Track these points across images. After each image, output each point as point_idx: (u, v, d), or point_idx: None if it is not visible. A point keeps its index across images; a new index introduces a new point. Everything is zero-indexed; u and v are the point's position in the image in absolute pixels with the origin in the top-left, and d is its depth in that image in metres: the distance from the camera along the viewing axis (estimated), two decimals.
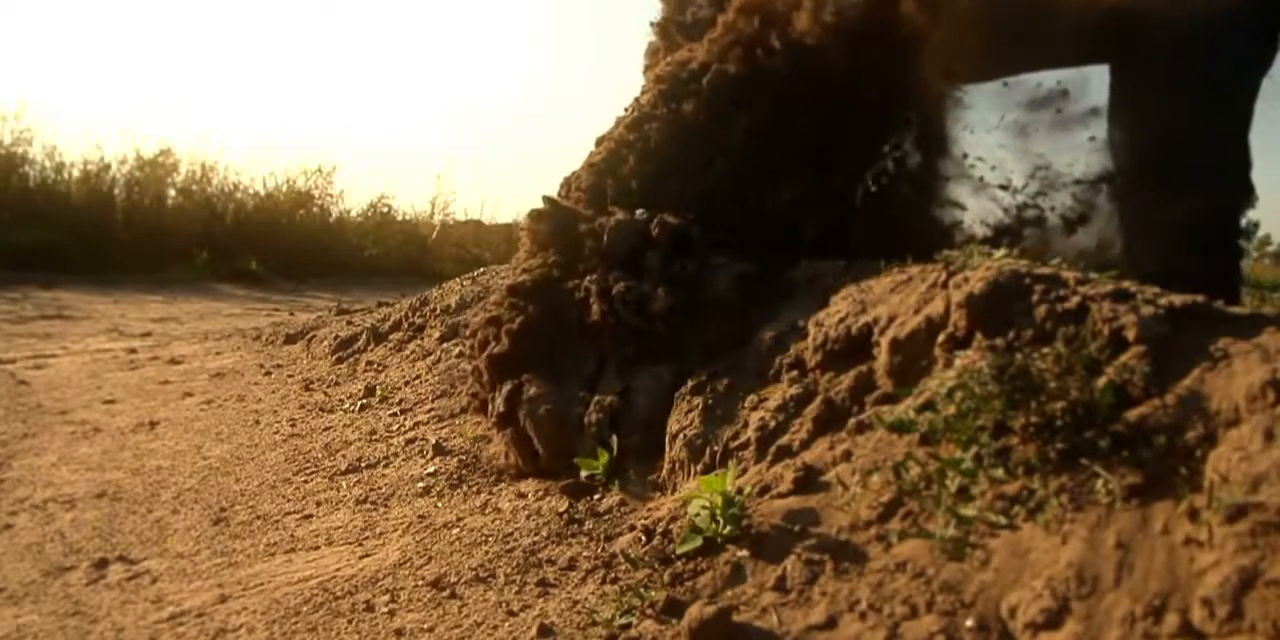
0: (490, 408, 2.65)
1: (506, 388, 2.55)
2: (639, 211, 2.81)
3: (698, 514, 1.62)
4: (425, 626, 1.60)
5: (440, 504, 2.30)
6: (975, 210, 3.55)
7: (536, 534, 1.93)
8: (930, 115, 3.41)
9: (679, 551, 1.58)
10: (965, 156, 3.55)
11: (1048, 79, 3.35)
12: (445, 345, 4.03)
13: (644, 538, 1.72)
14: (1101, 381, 1.29)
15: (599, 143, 3.39)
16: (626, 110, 3.43)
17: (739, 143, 2.94)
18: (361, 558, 1.97)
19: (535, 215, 3.02)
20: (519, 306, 2.71)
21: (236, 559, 2.04)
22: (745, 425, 1.91)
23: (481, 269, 5.51)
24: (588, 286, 2.60)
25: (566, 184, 3.30)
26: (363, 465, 2.72)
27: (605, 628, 1.43)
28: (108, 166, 10.34)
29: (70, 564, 2.05)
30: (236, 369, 4.69)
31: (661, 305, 2.43)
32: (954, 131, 3.51)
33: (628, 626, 1.42)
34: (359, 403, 3.55)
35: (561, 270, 2.77)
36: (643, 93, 3.37)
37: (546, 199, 3.05)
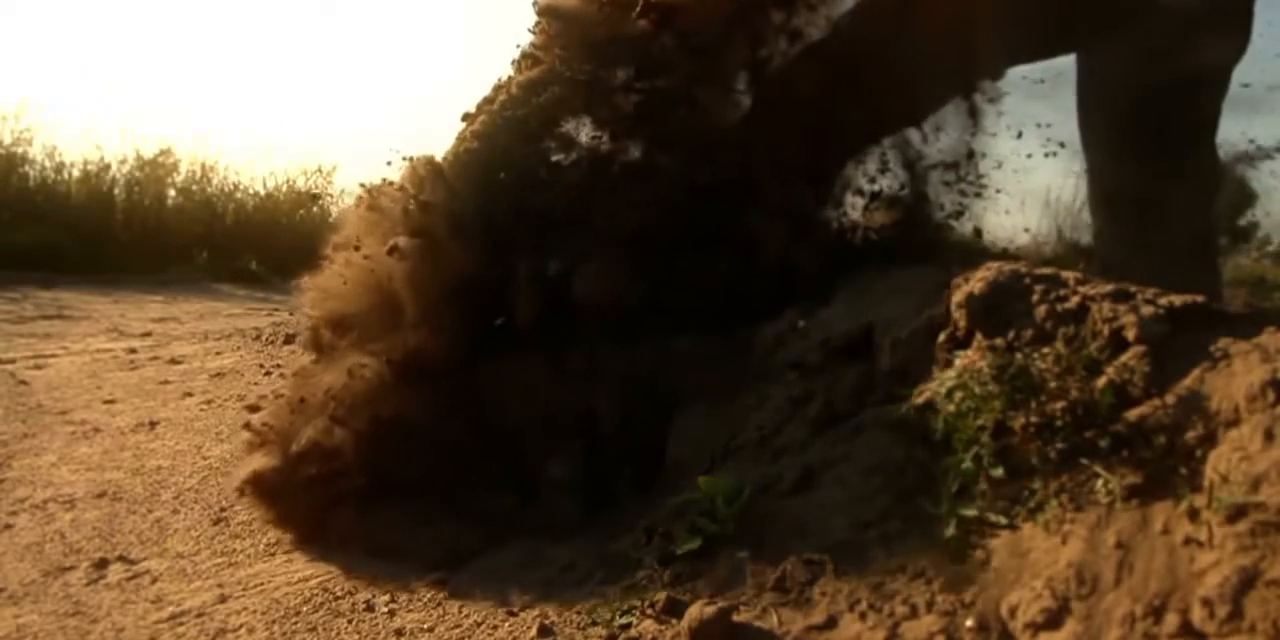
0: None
1: (344, 518, 1.89)
2: (552, 263, 1.95)
3: (698, 514, 1.62)
4: (425, 626, 1.60)
5: None
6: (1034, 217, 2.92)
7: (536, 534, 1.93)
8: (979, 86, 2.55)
9: (679, 551, 1.58)
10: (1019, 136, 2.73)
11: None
12: None
13: (644, 538, 1.72)
14: (1101, 381, 1.29)
15: (469, 119, 2.23)
16: (515, 64, 2.30)
17: (700, 131, 2.06)
18: None
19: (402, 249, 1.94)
20: (390, 392, 1.86)
21: (236, 559, 2.04)
22: (745, 425, 1.91)
23: None
24: (493, 376, 1.86)
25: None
26: None
27: (605, 628, 1.43)
28: (108, 166, 10.33)
29: (70, 564, 2.04)
30: (236, 369, 4.69)
31: (611, 421, 1.85)
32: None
33: (628, 626, 1.42)
34: None
35: (445, 341, 1.89)
36: (533, 29, 2.22)
37: (406, 244, 1.96)
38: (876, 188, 2.63)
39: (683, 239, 2.02)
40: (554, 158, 2.14)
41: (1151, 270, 1.85)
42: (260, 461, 1.94)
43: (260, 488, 1.94)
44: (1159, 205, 2.23)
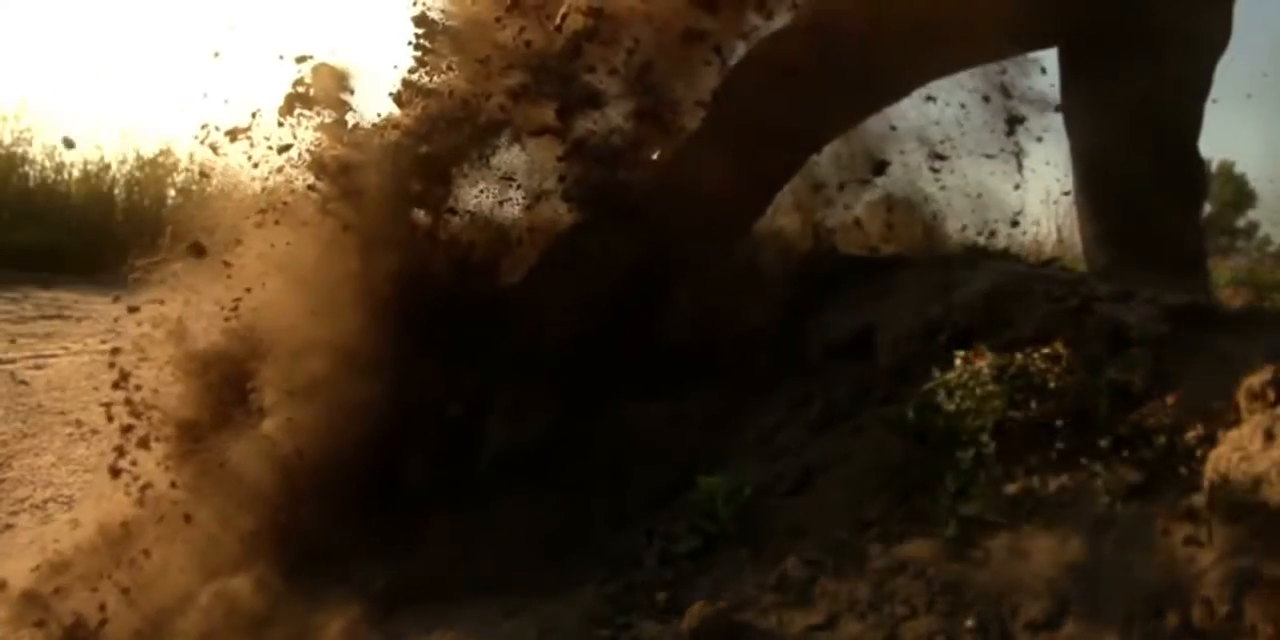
0: None
1: None
2: (454, 399, 1.42)
3: (698, 514, 1.62)
4: (423, 628, 1.59)
5: None
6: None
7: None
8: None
9: (679, 551, 1.58)
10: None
11: None
12: None
13: (644, 538, 1.72)
14: (1101, 381, 1.29)
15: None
16: (394, 96, 1.65)
17: (651, 195, 1.61)
18: None
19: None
20: None
21: None
22: (746, 425, 1.91)
23: None
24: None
25: None
26: None
27: (605, 628, 1.43)
28: (108, 167, 10.32)
29: None
30: None
31: None
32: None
33: (628, 626, 1.42)
34: None
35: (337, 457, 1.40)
36: (412, 47, 1.67)
37: None
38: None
39: (631, 353, 1.55)
40: (451, 235, 1.60)
41: (1142, 274, 1.82)
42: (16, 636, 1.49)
43: None
44: (1148, 209, 2.19)
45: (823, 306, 2.02)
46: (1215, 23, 2.18)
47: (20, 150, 9.97)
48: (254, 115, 1.55)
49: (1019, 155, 2.19)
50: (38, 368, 4.66)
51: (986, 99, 2.25)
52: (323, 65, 1.52)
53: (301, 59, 1.55)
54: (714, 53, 1.77)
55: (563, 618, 1.52)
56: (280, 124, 1.56)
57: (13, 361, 4.76)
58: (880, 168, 2.24)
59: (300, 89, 1.50)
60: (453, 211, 1.63)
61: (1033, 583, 1.15)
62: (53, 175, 10.13)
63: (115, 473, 1.59)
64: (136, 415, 1.57)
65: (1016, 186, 2.15)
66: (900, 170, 2.26)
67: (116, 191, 10.43)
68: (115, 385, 1.58)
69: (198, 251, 1.47)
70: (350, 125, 1.55)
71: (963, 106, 2.24)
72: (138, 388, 1.59)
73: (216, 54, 1.71)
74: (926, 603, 1.22)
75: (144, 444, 1.56)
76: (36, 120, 9.93)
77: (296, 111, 1.52)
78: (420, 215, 1.56)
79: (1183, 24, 2.04)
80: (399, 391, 1.42)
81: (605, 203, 1.64)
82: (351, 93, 1.56)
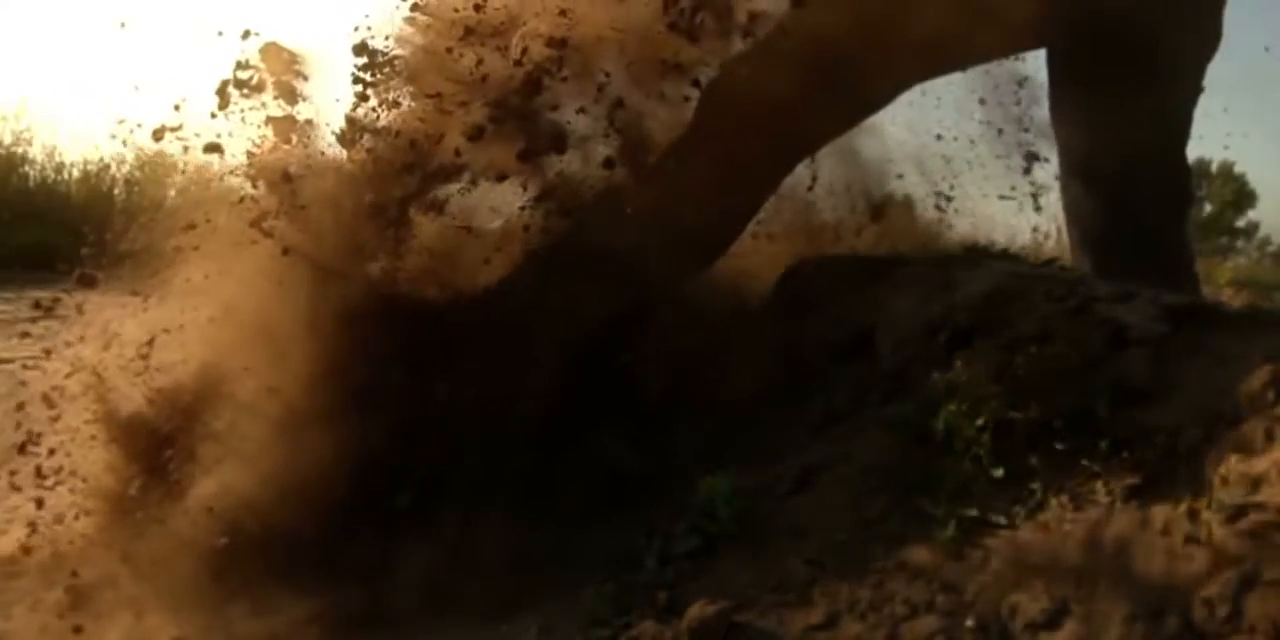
0: None
1: None
2: (401, 496, 1.31)
3: (698, 514, 1.62)
4: (429, 627, 1.59)
5: None
6: None
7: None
8: None
9: (679, 551, 1.58)
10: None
11: None
12: None
13: (644, 538, 1.72)
14: (1101, 381, 1.29)
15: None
16: (339, 135, 1.45)
17: (631, 257, 1.47)
18: None
19: None
20: None
21: None
22: (747, 426, 1.91)
23: None
24: None
25: None
26: None
27: (605, 628, 1.43)
28: (107, 167, 10.31)
29: None
30: None
31: None
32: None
33: (628, 626, 1.42)
34: None
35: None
36: (353, 78, 1.46)
37: None
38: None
39: (610, 397, 1.42)
40: (409, 277, 1.41)
41: (1129, 278, 1.81)
42: None
43: None
44: (1135, 213, 2.16)
45: (822, 307, 2.03)
46: (1205, 28, 2.17)
47: (20, 150, 9.95)
48: (177, 107, 1.33)
49: (1036, 196, 2.05)
50: (38, 368, 4.65)
51: (1000, 132, 2.11)
52: (272, 45, 1.30)
53: (246, 35, 1.33)
54: (693, 86, 1.61)
55: (562, 618, 1.52)
56: (213, 116, 1.33)
57: (12, 361, 4.76)
58: (879, 212, 2.17)
59: (242, 74, 1.30)
60: (408, 252, 1.45)
61: (1033, 583, 1.15)
62: (53, 175, 10.12)
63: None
64: (49, 488, 1.33)
65: (1034, 229, 2.00)
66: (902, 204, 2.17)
67: (116, 191, 10.42)
68: (21, 449, 1.31)
69: (87, 282, 1.31)
70: (303, 121, 1.34)
71: (972, 142, 2.09)
72: (51, 452, 1.33)
73: (123, 25, 1.38)
74: (926, 603, 1.22)
75: (59, 521, 1.32)
76: (36, 120, 9.91)
77: (235, 102, 1.30)
78: (373, 259, 1.38)
79: (1173, 30, 2.03)
80: (352, 452, 1.28)
81: (573, 255, 1.50)
82: (306, 79, 1.34)
